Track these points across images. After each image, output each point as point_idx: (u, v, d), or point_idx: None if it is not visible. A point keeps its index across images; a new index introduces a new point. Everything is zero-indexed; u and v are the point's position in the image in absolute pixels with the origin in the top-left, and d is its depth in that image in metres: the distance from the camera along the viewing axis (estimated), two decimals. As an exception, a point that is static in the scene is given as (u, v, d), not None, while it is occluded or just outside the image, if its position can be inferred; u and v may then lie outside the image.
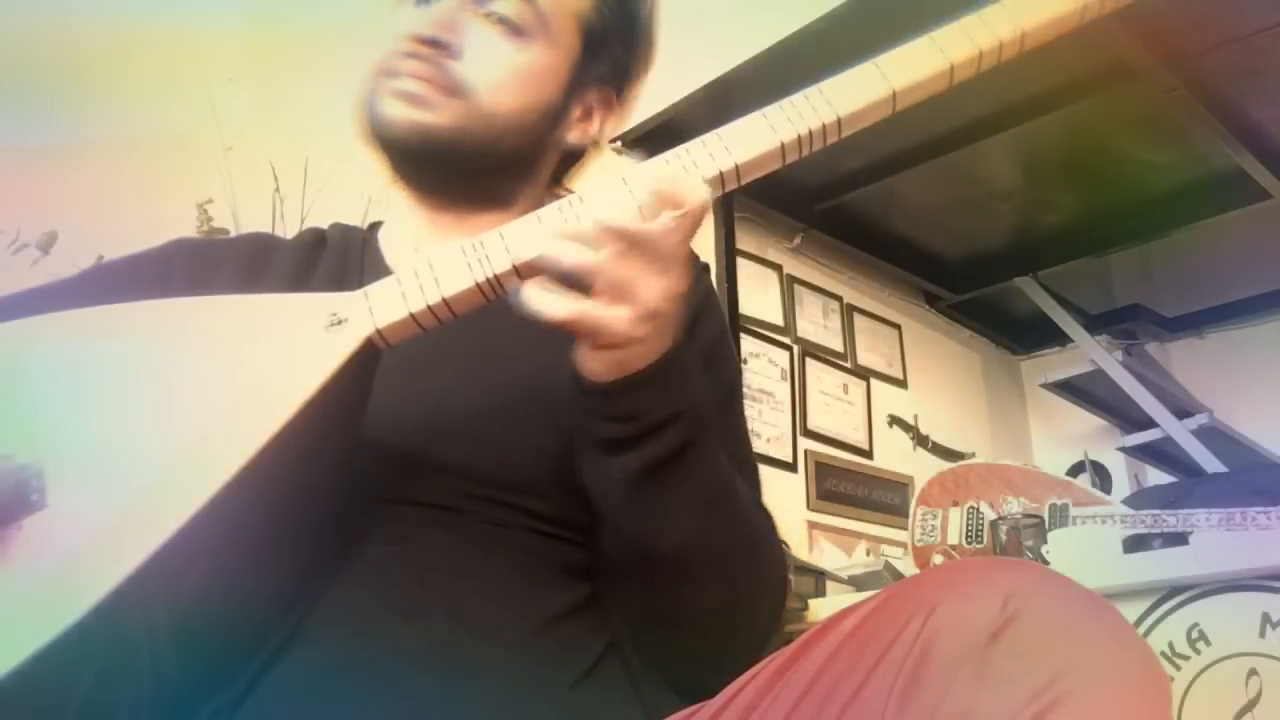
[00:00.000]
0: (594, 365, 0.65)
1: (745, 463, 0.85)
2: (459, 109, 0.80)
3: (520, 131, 0.84)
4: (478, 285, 0.62)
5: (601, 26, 0.86)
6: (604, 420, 0.66)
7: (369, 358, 0.63)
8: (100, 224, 1.42)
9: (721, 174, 0.65)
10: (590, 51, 0.86)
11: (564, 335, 0.65)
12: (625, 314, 0.61)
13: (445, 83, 0.80)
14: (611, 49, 0.88)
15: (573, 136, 0.89)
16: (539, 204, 0.87)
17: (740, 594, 0.74)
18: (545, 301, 0.60)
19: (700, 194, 0.62)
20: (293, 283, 0.84)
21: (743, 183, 0.67)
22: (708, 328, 0.85)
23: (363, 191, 0.94)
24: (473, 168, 0.84)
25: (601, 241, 0.60)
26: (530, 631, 0.70)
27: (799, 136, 0.66)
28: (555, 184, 0.94)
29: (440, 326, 0.63)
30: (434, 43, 0.80)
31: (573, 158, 0.94)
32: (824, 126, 0.66)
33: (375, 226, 0.93)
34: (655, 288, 0.61)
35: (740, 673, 0.61)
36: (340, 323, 0.62)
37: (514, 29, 0.82)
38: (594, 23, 0.86)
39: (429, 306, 0.62)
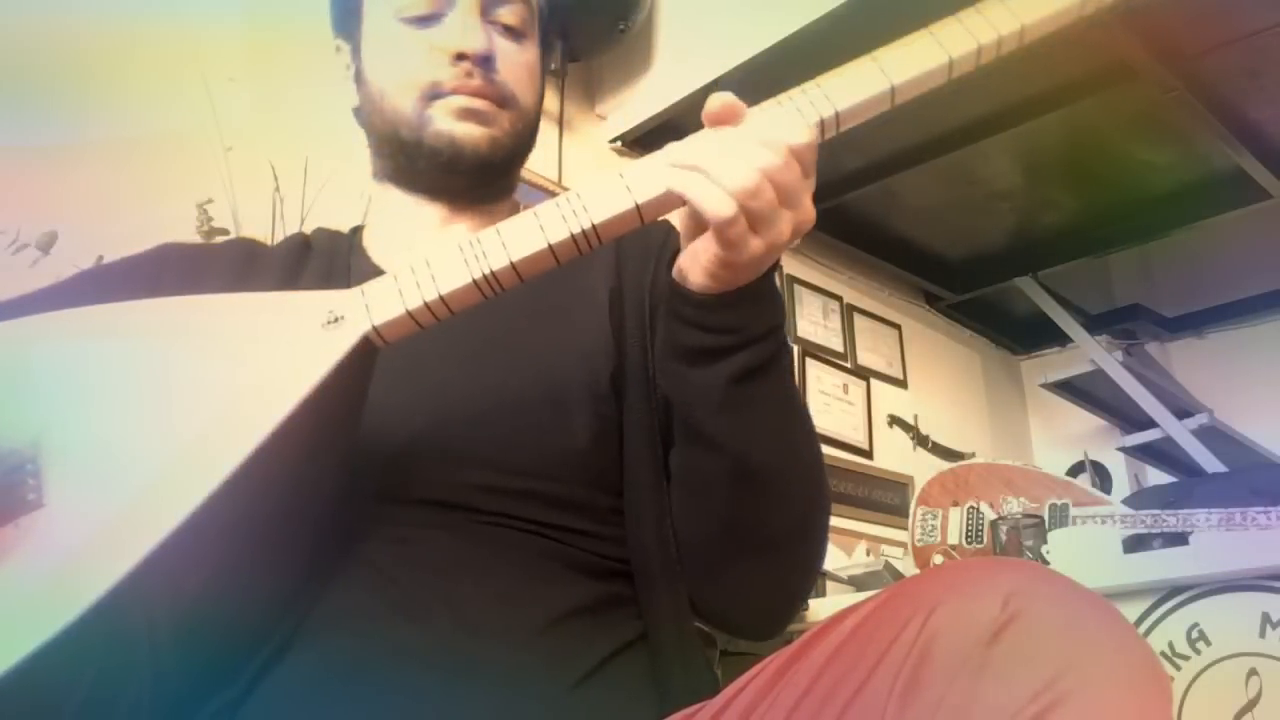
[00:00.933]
0: (702, 279, 0.67)
1: None
2: (511, 117, 0.85)
3: (537, 121, 0.90)
4: (475, 282, 0.62)
5: (548, 8, 0.93)
6: (703, 331, 0.69)
7: (366, 355, 0.63)
8: (100, 224, 1.42)
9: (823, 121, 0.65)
10: (544, 33, 0.92)
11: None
12: (760, 242, 0.64)
13: (498, 96, 0.84)
14: (550, 24, 0.94)
15: None
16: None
17: (815, 509, 0.77)
18: (714, 200, 0.61)
19: (808, 131, 0.63)
20: (281, 286, 0.84)
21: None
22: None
23: (363, 192, 0.94)
24: (518, 165, 0.90)
25: (768, 159, 0.61)
26: (533, 631, 0.70)
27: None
28: None
29: (437, 324, 0.63)
30: (484, 60, 0.83)
31: None
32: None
33: (357, 230, 0.94)
34: (789, 221, 0.64)
35: (798, 607, 0.72)
36: (337, 320, 0.62)
37: (516, 32, 0.87)
38: (543, 6, 0.92)
39: (426, 304, 0.62)
